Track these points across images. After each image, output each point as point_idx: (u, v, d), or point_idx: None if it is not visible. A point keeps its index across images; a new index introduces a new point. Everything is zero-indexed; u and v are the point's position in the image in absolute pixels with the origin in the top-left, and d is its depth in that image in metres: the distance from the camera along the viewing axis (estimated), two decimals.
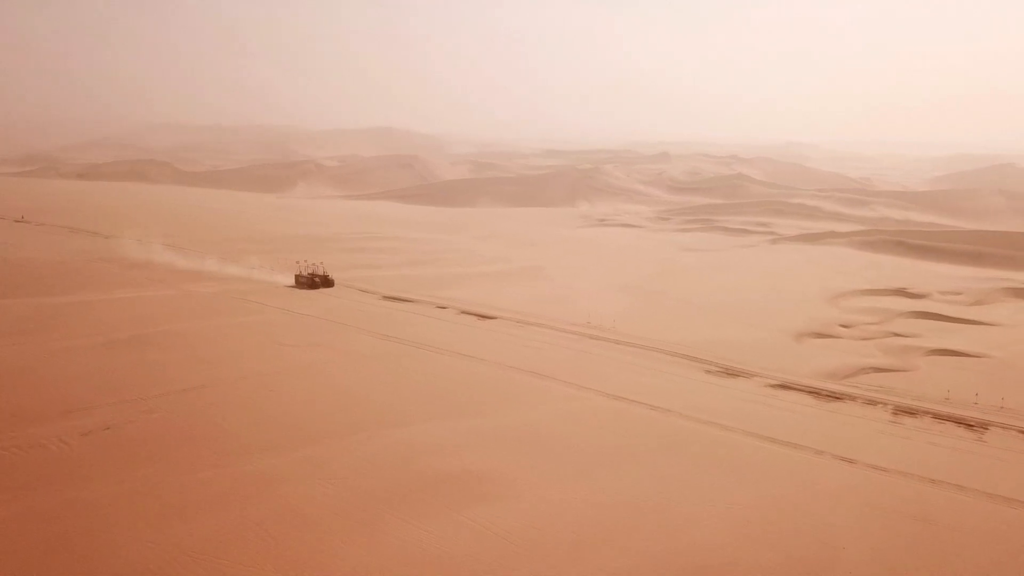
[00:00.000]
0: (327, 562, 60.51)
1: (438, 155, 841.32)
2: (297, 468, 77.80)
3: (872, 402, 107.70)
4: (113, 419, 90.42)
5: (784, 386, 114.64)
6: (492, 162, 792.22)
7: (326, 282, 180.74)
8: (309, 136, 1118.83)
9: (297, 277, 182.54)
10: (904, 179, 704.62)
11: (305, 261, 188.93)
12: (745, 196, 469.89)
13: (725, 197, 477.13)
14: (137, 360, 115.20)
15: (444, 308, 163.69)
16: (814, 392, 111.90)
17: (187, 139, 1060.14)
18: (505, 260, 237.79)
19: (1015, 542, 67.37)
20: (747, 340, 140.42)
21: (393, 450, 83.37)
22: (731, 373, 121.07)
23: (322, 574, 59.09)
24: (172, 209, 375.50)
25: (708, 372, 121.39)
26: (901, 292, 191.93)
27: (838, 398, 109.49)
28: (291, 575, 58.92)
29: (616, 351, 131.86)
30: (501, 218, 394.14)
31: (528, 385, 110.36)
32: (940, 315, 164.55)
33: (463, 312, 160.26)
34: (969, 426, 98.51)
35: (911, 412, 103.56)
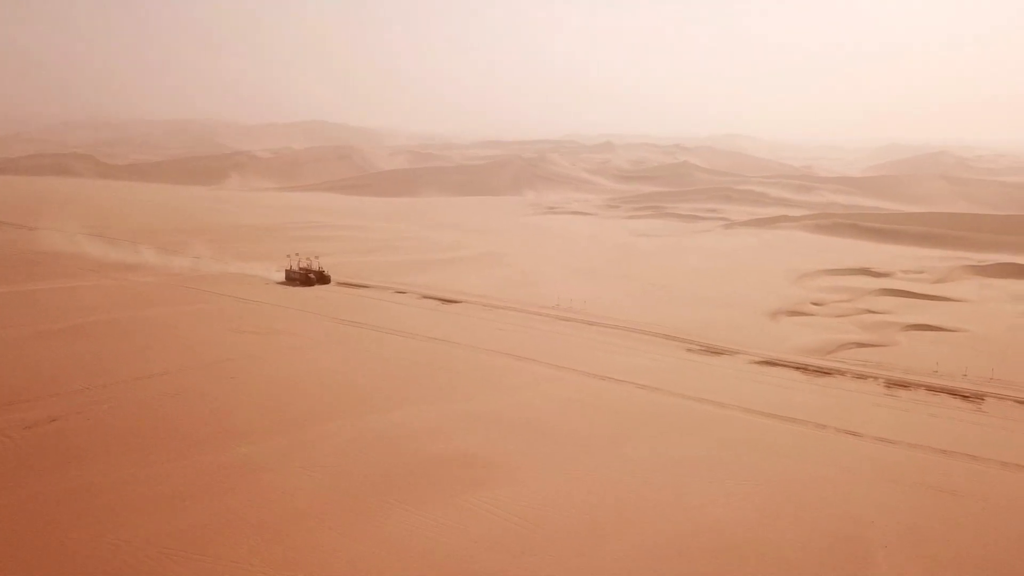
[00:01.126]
0: (323, 557, 54.96)
1: (376, 146, 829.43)
2: (275, 456, 71.81)
3: (862, 376, 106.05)
4: (58, 411, 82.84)
5: (769, 362, 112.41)
6: (432, 152, 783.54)
7: (322, 278, 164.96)
8: (237, 130, 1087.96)
9: (288, 273, 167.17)
10: (844, 168, 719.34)
11: (296, 255, 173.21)
12: (692, 184, 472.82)
13: (672, 185, 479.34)
14: (78, 350, 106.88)
15: (404, 293, 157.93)
16: (801, 368, 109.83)
17: (109, 135, 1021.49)
18: (460, 247, 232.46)
19: None
20: (721, 319, 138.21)
21: (379, 435, 77.93)
22: (713, 351, 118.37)
23: (320, 570, 53.54)
24: (100, 202, 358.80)
25: (689, 351, 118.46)
26: (865, 271, 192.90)
27: (827, 373, 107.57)
28: (284, 573, 53.25)
29: (592, 332, 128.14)
30: (448, 207, 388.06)
31: (508, 367, 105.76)
32: (908, 292, 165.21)
33: (425, 297, 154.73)
34: (965, 397, 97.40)
35: (904, 385, 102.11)
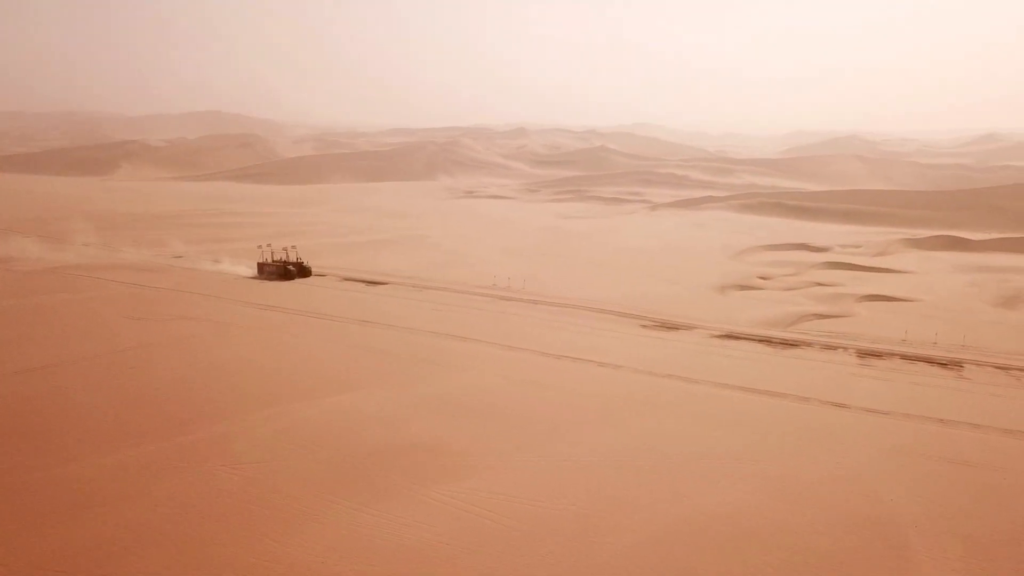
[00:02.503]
0: (255, 563, 44.96)
1: (278, 136, 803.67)
2: (188, 455, 60.90)
3: (831, 347, 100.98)
4: None
5: (731, 336, 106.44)
6: (339, 141, 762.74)
7: (303, 271, 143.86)
8: (126, 121, 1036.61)
9: (261, 266, 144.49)
10: (757, 153, 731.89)
11: (269, 245, 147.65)
12: (611, 168, 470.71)
13: (590, 169, 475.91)
14: None
15: (323, 276, 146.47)
16: (765, 340, 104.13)
17: None
18: (377, 230, 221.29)
19: None
20: (668, 295, 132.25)
21: (315, 425, 67.72)
22: (669, 327, 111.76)
23: None
24: None
25: (644, 327, 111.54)
26: (803, 247, 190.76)
27: (793, 344, 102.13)
28: None
29: (538, 311, 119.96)
30: (360, 192, 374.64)
31: (454, 349, 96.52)
32: (853, 265, 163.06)
33: (346, 279, 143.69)
34: (943, 365, 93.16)
35: (876, 355, 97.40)
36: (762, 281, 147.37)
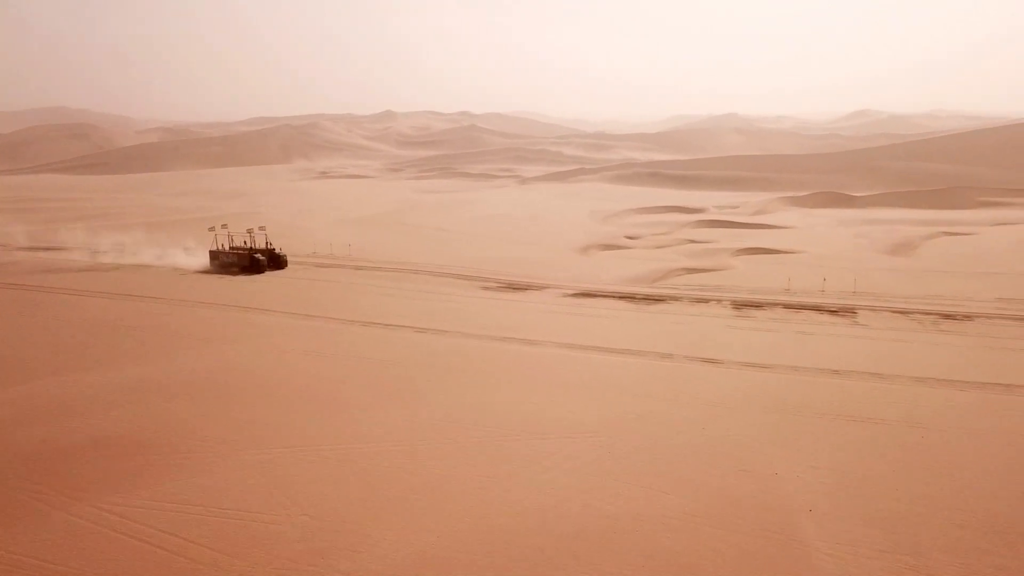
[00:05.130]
0: None
1: (124, 128, 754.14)
2: None
3: (703, 300, 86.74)
4: None
5: (587, 294, 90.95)
6: (191, 131, 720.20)
7: (277, 261, 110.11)
8: None
9: (215, 256, 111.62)
10: (636, 130, 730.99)
11: (225, 227, 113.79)
12: (482, 146, 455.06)
13: (460, 149, 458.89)
14: None
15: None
16: (627, 297, 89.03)
17: None
18: (205, 211, 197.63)
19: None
20: (522, 257, 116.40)
21: None
22: (515, 287, 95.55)
23: None
24: None
25: (485, 288, 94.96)
26: (678, 209, 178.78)
27: (659, 300, 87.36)
28: None
29: (358, 276, 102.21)
30: (200, 178, 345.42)
31: (232, 320, 77.43)
32: (732, 222, 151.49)
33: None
34: (833, 312, 79.89)
35: (756, 305, 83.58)
36: (630, 241, 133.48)
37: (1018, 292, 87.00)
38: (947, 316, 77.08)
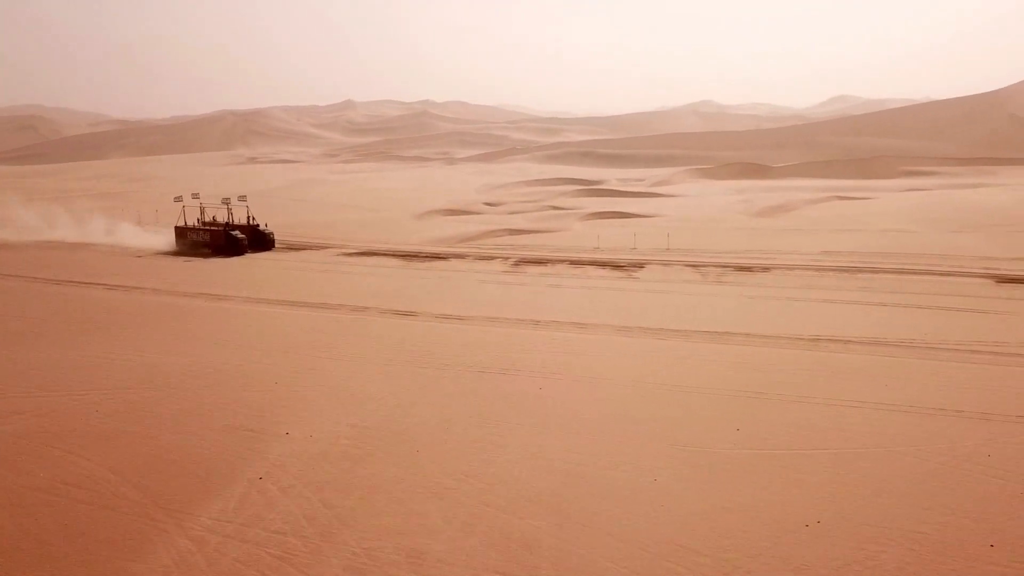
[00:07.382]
0: None
1: (79, 120, 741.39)
2: None
3: (487, 257, 77.14)
4: None
5: (367, 253, 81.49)
6: (148, 123, 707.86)
7: (262, 240, 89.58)
8: None
9: (182, 233, 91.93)
10: (592, 113, 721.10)
11: (196, 196, 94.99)
12: (431, 132, 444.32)
13: (409, 135, 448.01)
14: None
15: None
16: (408, 256, 79.10)
17: None
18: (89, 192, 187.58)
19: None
20: (346, 221, 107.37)
21: None
22: (293, 247, 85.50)
23: None
24: None
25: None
26: (574, 181, 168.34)
27: (439, 258, 77.73)
28: None
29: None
30: (125, 165, 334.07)
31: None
32: (614, 191, 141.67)
33: None
34: (619, 267, 69.87)
35: (541, 262, 73.67)
36: (485, 207, 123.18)
37: (849, 246, 77.26)
38: (744, 269, 67.60)
